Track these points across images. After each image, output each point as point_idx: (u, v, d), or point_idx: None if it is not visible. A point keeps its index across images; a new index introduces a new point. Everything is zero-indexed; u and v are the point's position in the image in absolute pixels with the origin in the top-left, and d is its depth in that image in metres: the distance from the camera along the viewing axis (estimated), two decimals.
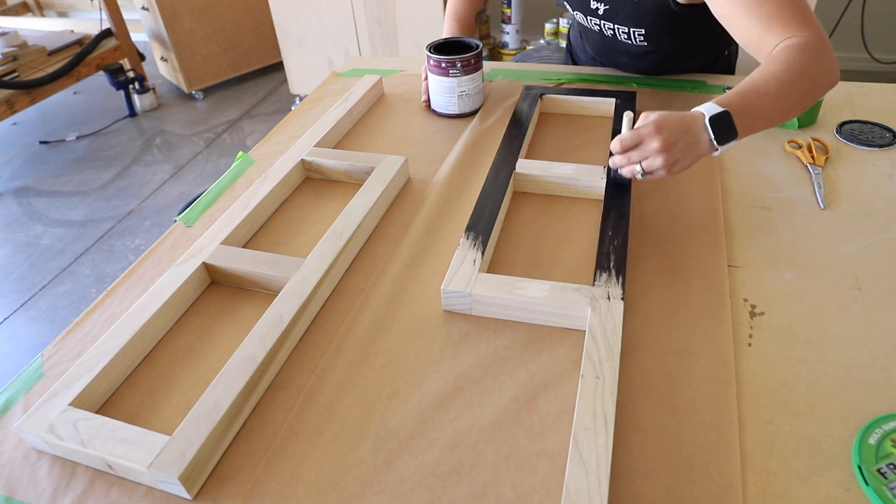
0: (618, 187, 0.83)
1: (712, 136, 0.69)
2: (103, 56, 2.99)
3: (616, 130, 0.96)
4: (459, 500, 0.52)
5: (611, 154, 0.76)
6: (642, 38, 1.02)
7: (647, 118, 0.71)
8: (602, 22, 1.04)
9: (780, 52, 0.74)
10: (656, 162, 0.70)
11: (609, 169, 0.82)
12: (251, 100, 3.17)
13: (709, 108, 0.70)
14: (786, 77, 0.72)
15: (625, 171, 0.74)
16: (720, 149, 0.70)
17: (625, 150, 0.72)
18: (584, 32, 1.22)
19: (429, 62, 1.06)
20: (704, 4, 0.84)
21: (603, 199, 0.83)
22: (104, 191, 2.54)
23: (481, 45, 1.07)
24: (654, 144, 0.69)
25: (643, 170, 0.71)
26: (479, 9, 1.23)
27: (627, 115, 0.77)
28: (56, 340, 0.71)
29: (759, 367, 0.62)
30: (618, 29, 1.03)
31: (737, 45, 1.22)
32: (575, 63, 1.34)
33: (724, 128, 0.69)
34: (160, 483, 0.54)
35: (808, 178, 0.88)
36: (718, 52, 1.19)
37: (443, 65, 1.04)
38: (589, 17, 1.06)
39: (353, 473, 0.55)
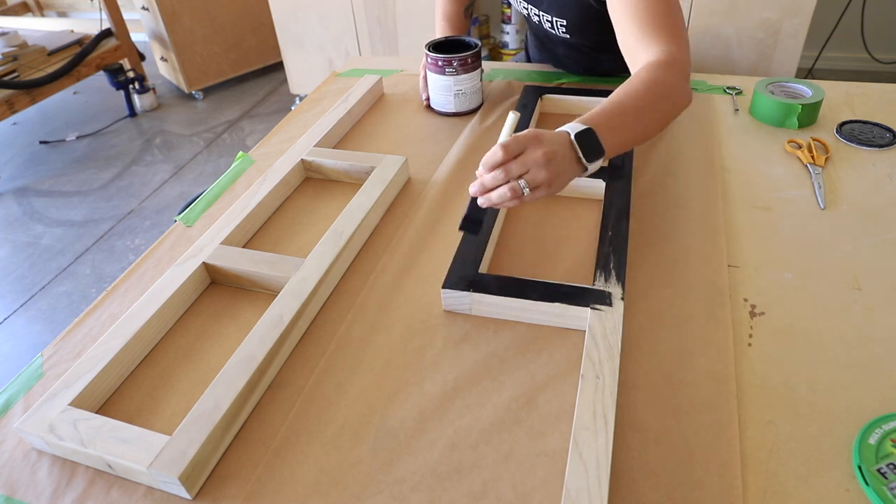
0: (617, 183, 0.83)
1: (580, 153, 0.65)
2: (103, 56, 2.99)
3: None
4: (459, 500, 0.52)
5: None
6: (564, 30, 1.04)
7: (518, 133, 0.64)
8: (529, 6, 1.07)
9: (644, 71, 0.75)
10: (540, 175, 0.62)
11: (469, 208, 0.68)
12: (251, 100, 3.17)
13: (573, 127, 0.66)
14: (648, 96, 0.72)
15: (501, 191, 0.63)
16: (589, 167, 0.67)
17: (507, 160, 0.62)
18: (528, 23, 1.22)
19: (427, 60, 1.07)
20: None
21: (603, 199, 0.83)
22: (104, 191, 2.54)
23: (479, 45, 1.07)
24: (537, 153, 0.62)
25: (526, 185, 0.63)
26: (466, 4, 1.23)
27: (513, 116, 0.65)
28: (56, 340, 0.71)
29: (759, 367, 0.62)
30: (542, 16, 1.05)
31: None
32: (529, 61, 1.35)
33: (591, 145, 0.66)
34: (160, 483, 0.54)
35: (808, 178, 0.88)
36: None
37: (440, 63, 1.04)
38: (519, 0, 1.09)
39: (353, 473, 0.55)
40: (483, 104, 1.12)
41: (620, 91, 0.73)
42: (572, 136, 0.65)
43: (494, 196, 0.64)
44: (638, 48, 0.80)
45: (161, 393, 0.64)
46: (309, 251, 0.77)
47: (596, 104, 1.06)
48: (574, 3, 0.99)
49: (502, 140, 0.63)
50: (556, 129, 0.67)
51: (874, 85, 1.10)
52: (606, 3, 0.85)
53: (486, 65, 1.28)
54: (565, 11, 1.01)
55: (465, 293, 0.68)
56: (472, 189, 0.65)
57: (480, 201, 0.65)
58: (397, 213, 0.87)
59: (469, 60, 1.05)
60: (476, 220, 0.67)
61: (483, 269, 0.73)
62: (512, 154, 0.62)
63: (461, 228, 0.68)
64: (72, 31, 3.14)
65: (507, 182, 0.63)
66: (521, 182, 0.62)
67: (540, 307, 0.67)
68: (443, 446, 0.56)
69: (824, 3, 2.47)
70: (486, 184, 0.64)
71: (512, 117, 0.63)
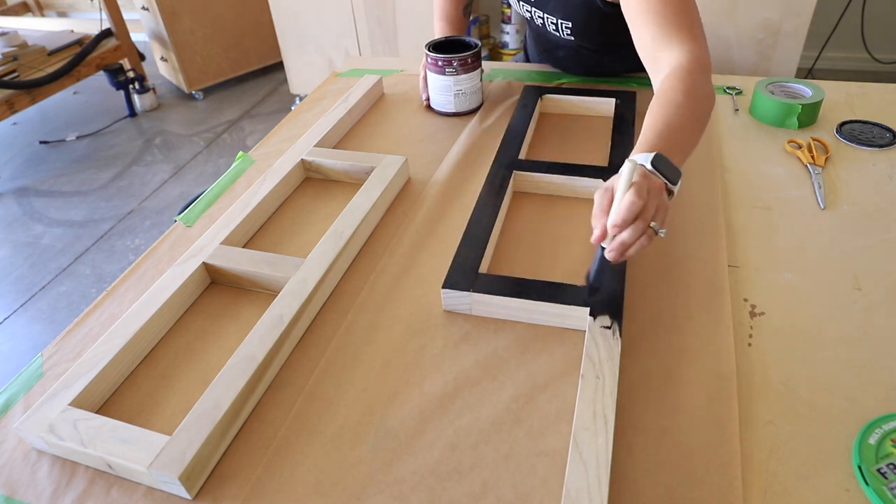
0: None
1: (664, 180, 0.62)
2: (103, 56, 2.99)
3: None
4: (459, 500, 0.52)
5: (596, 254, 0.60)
6: (569, 32, 1.02)
7: (614, 184, 0.60)
8: (533, 9, 1.05)
9: (676, 80, 0.72)
10: (664, 210, 0.60)
11: (591, 272, 0.63)
12: (251, 100, 3.16)
13: (643, 158, 0.62)
14: (690, 106, 0.69)
15: (641, 241, 0.58)
16: (675, 190, 0.63)
17: (644, 206, 0.57)
18: (528, 25, 1.20)
19: (427, 60, 1.07)
20: None
21: None
22: (104, 191, 2.54)
23: (479, 45, 1.07)
24: (655, 188, 0.59)
25: (658, 226, 0.59)
26: (465, 3, 1.22)
27: (630, 165, 0.58)
28: (56, 340, 0.71)
29: (759, 367, 0.62)
30: (547, 19, 1.03)
31: None
32: (528, 61, 1.34)
33: (668, 168, 0.62)
34: (160, 483, 0.54)
35: (808, 178, 0.88)
36: None
37: (440, 63, 1.04)
38: (521, 3, 1.06)
39: (353, 473, 0.55)
40: (483, 104, 1.12)
41: (663, 106, 0.69)
42: (650, 167, 0.61)
43: (633, 249, 0.58)
44: (659, 48, 0.77)
45: (161, 393, 0.64)
46: (309, 251, 0.77)
47: (596, 105, 1.06)
48: (581, 5, 0.98)
49: (623, 190, 0.57)
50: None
51: (874, 85, 1.10)
52: (620, 3, 0.83)
53: (486, 65, 1.28)
54: (572, 13, 1.00)
55: (465, 293, 0.68)
56: (611, 254, 0.58)
57: (613, 256, 0.57)
58: (397, 213, 0.87)
59: (469, 60, 1.05)
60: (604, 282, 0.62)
61: (483, 269, 0.73)
62: (645, 199, 0.57)
63: (591, 293, 0.62)
64: (72, 31, 3.14)
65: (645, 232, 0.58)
66: (654, 224, 0.58)
67: (540, 307, 0.67)
68: (443, 446, 0.56)
69: (824, 3, 2.47)
70: (628, 240, 0.57)
71: (630, 166, 0.56)
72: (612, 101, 1.05)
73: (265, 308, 0.70)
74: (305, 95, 2.08)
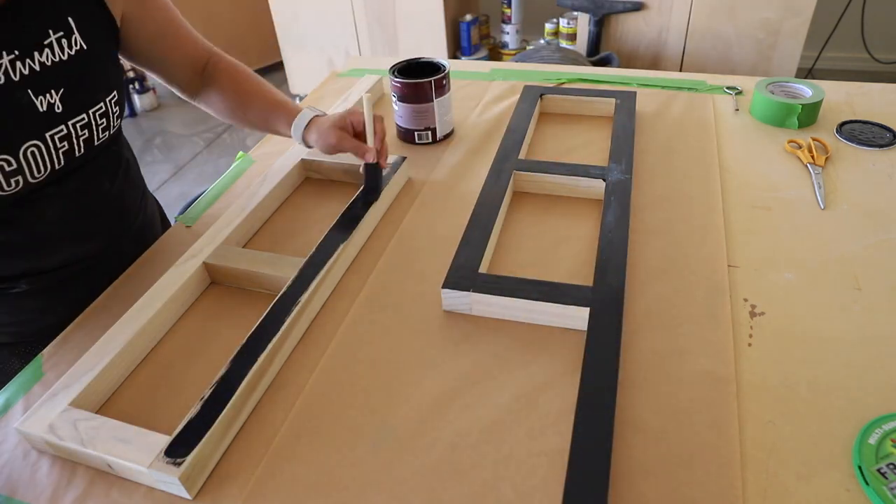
0: (617, 183, 0.83)
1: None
2: None
3: None
4: (459, 500, 0.52)
5: None
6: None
7: None
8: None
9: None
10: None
11: None
12: None
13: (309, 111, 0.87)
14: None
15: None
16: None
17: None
18: None
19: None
20: None
21: (603, 199, 0.83)
22: None
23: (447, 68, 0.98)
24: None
25: None
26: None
27: (368, 99, 0.83)
28: (56, 340, 0.71)
29: (759, 367, 0.62)
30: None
31: None
32: None
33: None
34: (160, 483, 0.54)
35: (808, 178, 0.88)
36: None
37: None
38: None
39: (353, 473, 0.55)
40: (483, 104, 1.12)
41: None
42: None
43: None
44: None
45: (161, 393, 0.64)
46: (309, 251, 0.77)
47: (596, 104, 1.06)
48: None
49: (370, 118, 0.82)
50: (319, 118, 0.86)
51: (874, 85, 1.10)
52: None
53: (486, 65, 1.28)
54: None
55: (465, 293, 0.68)
56: (383, 160, 0.84)
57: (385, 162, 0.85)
58: (397, 213, 0.87)
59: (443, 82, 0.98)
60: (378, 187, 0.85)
61: (483, 269, 0.73)
62: None
63: (369, 198, 0.84)
64: None
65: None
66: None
67: (540, 307, 0.67)
68: (443, 446, 0.56)
69: (824, 3, 2.47)
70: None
71: (368, 100, 0.81)
72: (612, 101, 1.05)
73: (265, 308, 0.70)
74: (305, 95, 2.07)
